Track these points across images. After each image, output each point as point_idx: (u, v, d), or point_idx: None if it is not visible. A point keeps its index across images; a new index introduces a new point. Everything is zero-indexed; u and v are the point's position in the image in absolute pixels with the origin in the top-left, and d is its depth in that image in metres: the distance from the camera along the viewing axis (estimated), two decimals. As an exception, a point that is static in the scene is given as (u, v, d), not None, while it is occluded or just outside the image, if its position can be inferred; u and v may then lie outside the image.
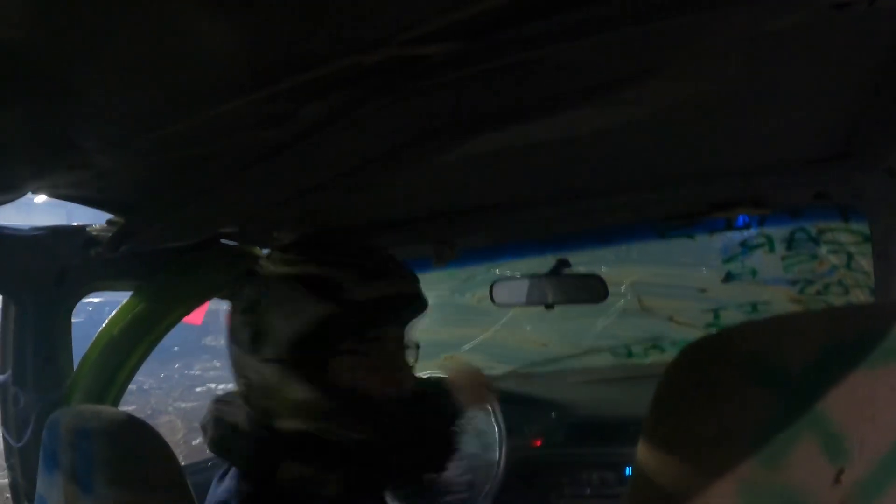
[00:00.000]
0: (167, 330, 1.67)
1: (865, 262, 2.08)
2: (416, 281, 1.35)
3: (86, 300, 1.60)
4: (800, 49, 1.11)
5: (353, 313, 1.21)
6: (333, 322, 1.19)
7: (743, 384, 0.67)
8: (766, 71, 1.19)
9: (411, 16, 0.83)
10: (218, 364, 12.00)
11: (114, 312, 1.62)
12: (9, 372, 1.51)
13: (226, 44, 0.84)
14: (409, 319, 1.33)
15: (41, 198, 1.25)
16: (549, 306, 2.43)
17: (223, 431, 1.24)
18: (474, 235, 2.08)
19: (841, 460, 0.63)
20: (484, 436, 2.27)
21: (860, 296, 2.24)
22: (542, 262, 2.39)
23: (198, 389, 11.62)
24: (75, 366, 1.58)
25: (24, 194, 1.14)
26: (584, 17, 0.88)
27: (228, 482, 1.20)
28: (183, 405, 10.98)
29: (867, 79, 1.25)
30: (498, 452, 2.23)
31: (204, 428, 1.27)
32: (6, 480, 1.57)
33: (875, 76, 1.23)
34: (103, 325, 1.62)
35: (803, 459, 0.64)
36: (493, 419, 2.27)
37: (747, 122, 1.42)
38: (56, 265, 1.48)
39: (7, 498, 1.58)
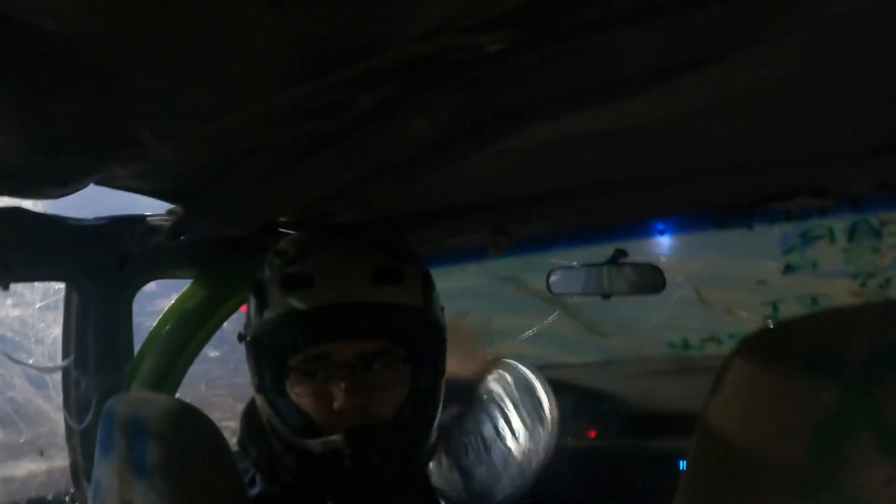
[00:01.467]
0: (225, 318, 1.70)
1: (929, 255, 2.05)
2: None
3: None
4: (861, 35, 1.10)
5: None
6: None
7: (801, 378, 0.66)
8: (827, 57, 1.18)
9: (466, 4, 0.84)
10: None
11: (173, 301, 1.66)
12: (71, 357, 1.55)
13: (280, 33, 0.85)
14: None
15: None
16: (606, 296, 2.42)
17: (244, 432, 1.28)
18: (531, 224, 2.07)
19: (894, 459, 0.62)
20: (536, 424, 2.27)
21: (922, 290, 2.20)
22: (600, 252, 2.39)
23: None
24: (136, 352, 1.61)
25: (85, 186, 1.14)
26: (643, 3, 0.88)
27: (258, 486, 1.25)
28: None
29: None
30: (547, 440, 2.23)
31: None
32: (67, 461, 1.63)
33: None
34: (163, 313, 1.66)
35: (859, 456, 0.62)
36: (545, 407, 2.27)
37: (807, 110, 1.41)
38: (117, 254, 1.52)
39: (68, 477, 1.63)
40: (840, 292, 2.38)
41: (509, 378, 2.34)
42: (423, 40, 0.88)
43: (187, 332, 1.65)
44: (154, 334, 1.63)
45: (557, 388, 2.38)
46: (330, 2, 0.79)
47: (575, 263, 2.42)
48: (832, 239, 2.19)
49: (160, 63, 0.88)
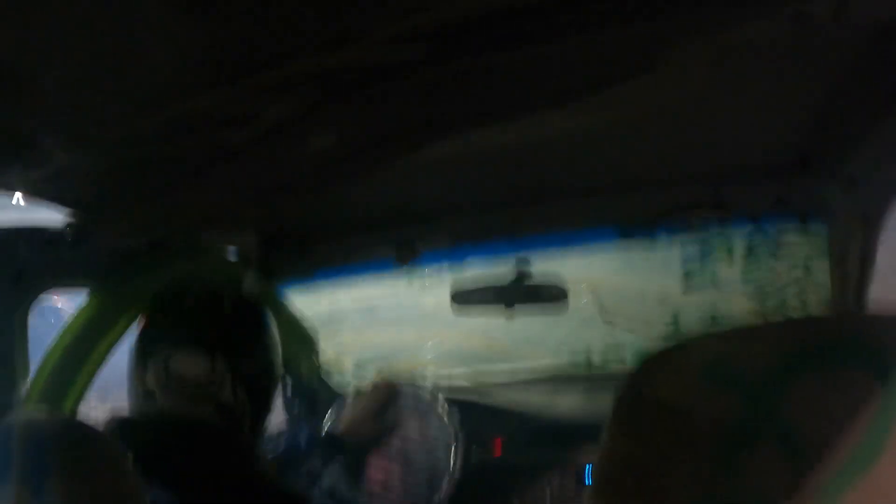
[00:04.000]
0: (126, 329, 1.64)
1: (823, 270, 2.10)
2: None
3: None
4: (763, 59, 1.12)
5: None
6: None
7: (702, 392, 0.67)
8: (730, 79, 1.20)
9: (378, 17, 0.83)
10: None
11: (72, 313, 1.60)
12: None
13: (189, 40, 0.84)
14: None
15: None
16: (509, 311, 2.42)
17: None
18: (436, 237, 2.07)
19: (801, 466, 0.62)
20: (437, 442, 2.26)
21: (817, 302, 2.26)
22: (504, 266, 2.39)
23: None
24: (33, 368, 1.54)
25: None
26: (552, 23, 0.88)
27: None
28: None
29: (828, 89, 1.26)
30: (452, 459, 2.22)
31: None
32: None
33: (836, 86, 1.25)
34: (61, 326, 1.59)
35: (764, 465, 0.64)
36: (447, 425, 2.27)
37: (710, 128, 1.43)
38: (13, 264, 1.45)
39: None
40: (739, 306, 2.43)
41: (407, 398, 2.34)
42: (334, 51, 0.86)
43: (87, 345, 1.60)
44: (52, 349, 1.57)
45: (460, 403, 2.37)
46: (241, 9, 0.76)
47: (478, 278, 2.42)
48: (731, 256, 2.23)
49: (63, 66, 0.86)
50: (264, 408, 1.47)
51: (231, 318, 1.41)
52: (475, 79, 0.98)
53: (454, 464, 2.21)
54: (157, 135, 1.06)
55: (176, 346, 1.33)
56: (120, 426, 1.30)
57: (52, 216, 1.43)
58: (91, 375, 1.60)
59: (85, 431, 1.07)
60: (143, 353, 1.38)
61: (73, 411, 1.57)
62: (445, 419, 2.28)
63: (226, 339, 1.37)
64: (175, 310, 1.40)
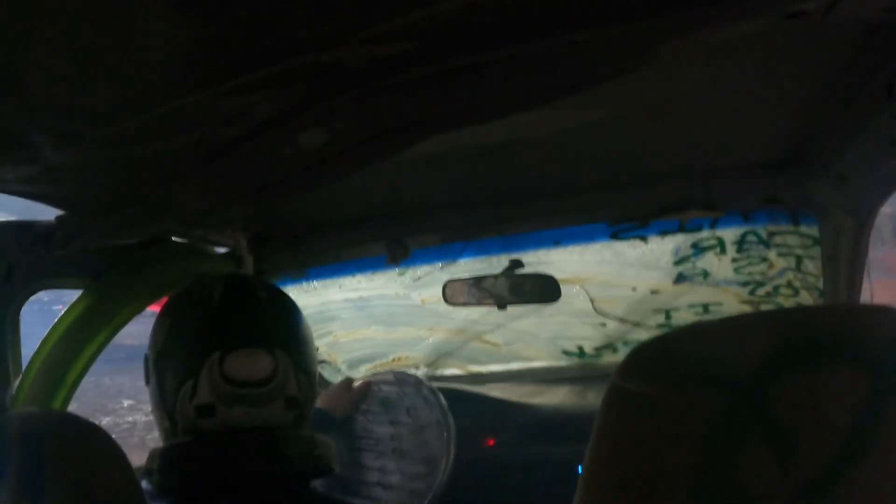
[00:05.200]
0: (118, 329, 1.64)
1: (814, 266, 2.10)
2: None
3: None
4: (753, 57, 1.12)
5: None
6: None
7: (692, 385, 0.68)
8: (721, 77, 1.20)
9: (368, 15, 0.83)
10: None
11: (63, 311, 1.59)
12: None
13: (180, 37, 0.84)
14: None
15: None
16: (501, 306, 2.42)
17: None
18: (427, 235, 2.08)
19: (789, 460, 0.64)
20: (432, 436, 2.26)
21: (809, 298, 2.26)
22: (496, 263, 2.39)
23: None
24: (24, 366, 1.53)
25: None
26: (542, 20, 0.88)
27: None
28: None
29: (819, 86, 1.27)
30: (446, 452, 2.23)
31: None
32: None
33: (826, 84, 1.25)
34: (52, 324, 1.58)
35: (752, 459, 0.65)
36: (442, 419, 2.27)
37: (701, 126, 1.44)
38: (3, 262, 1.44)
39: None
40: (730, 301, 2.43)
41: (404, 384, 2.37)
42: (324, 49, 0.86)
43: (78, 344, 1.59)
44: (43, 347, 1.57)
45: (453, 397, 2.38)
46: (231, 6, 0.77)
47: (470, 274, 2.42)
48: (722, 249, 2.24)
49: (54, 63, 0.86)
50: (315, 392, 1.38)
51: (271, 306, 1.33)
52: (466, 76, 0.98)
53: (449, 456, 2.21)
54: (147, 133, 1.05)
55: (228, 348, 1.22)
56: (183, 453, 1.22)
57: (42, 214, 1.43)
58: (80, 375, 1.59)
59: (89, 428, 1.06)
60: (185, 365, 1.24)
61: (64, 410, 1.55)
62: (440, 412, 2.28)
63: (278, 328, 1.29)
64: (211, 309, 1.28)
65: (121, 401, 10.73)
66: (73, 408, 1.54)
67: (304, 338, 1.34)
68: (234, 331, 1.25)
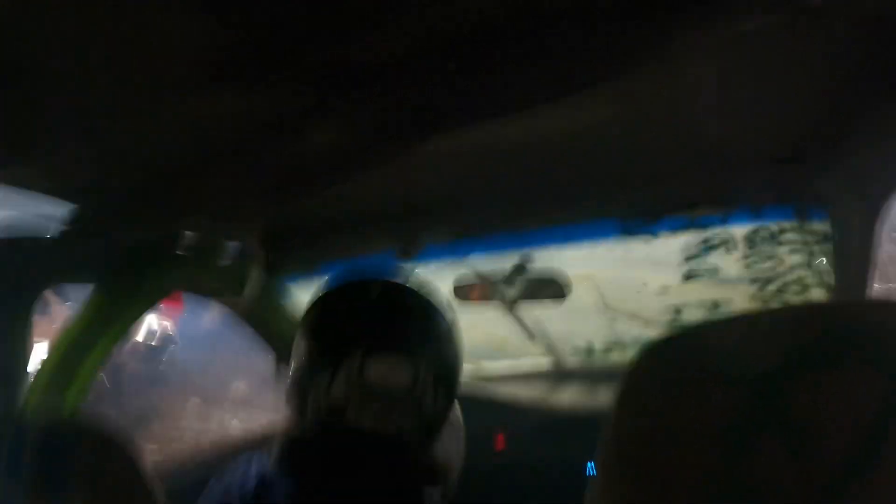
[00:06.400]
0: (130, 324, 1.65)
1: (824, 261, 2.10)
2: None
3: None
4: (763, 52, 1.12)
5: None
6: None
7: (704, 382, 0.67)
8: (730, 73, 1.20)
9: (381, 13, 0.83)
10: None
11: (77, 309, 1.59)
12: None
13: (192, 37, 0.84)
14: None
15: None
16: (511, 303, 2.43)
17: None
18: (438, 231, 2.08)
19: (805, 458, 0.64)
20: (444, 436, 2.26)
21: (819, 294, 2.26)
22: (505, 260, 2.39)
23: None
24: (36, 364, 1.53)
25: None
26: (553, 18, 0.88)
27: None
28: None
29: (828, 81, 1.26)
30: (457, 452, 2.23)
31: None
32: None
33: (836, 79, 1.25)
34: (64, 322, 1.58)
35: (766, 457, 0.64)
36: (451, 419, 2.26)
37: (711, 122, 1.43)
38: (15, 260, 1.45)
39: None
40: (740, 298, 2.43)
41: None
42: (337, 48, 0.87)
43: (90, 340, 1.58)
44: (56, 345, 1.56)
45: (463, 396, 2.37)
46: (245, 7, 0.77)
47: (480, 271, 2.42)
48: (732, 246, 2.23)
49: (67, 61, 0.85)
50: (452, 409, 1.37)
51: (423, 314, 1.30)
52: (478, 74, 0.99)
53: (460, 456, 2.21)
54: (160, 130, 1.06)
55: (372, 352, 1.19)
56: (305, 447, 1.20)
57: (55, 211, 1.44)
58: (94, 372, 1.59)
59: (114, 435, 1.07)
60: (326, 361, 1.21)
61: (76, 408, 1.56)
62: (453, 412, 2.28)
63: (425, 336, 1.26)
64: (364, 307, 1.26)
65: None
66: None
67: (450, 351, 1.32)
68: (380, 333, 1.22)
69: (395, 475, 1.17)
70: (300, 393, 1.23)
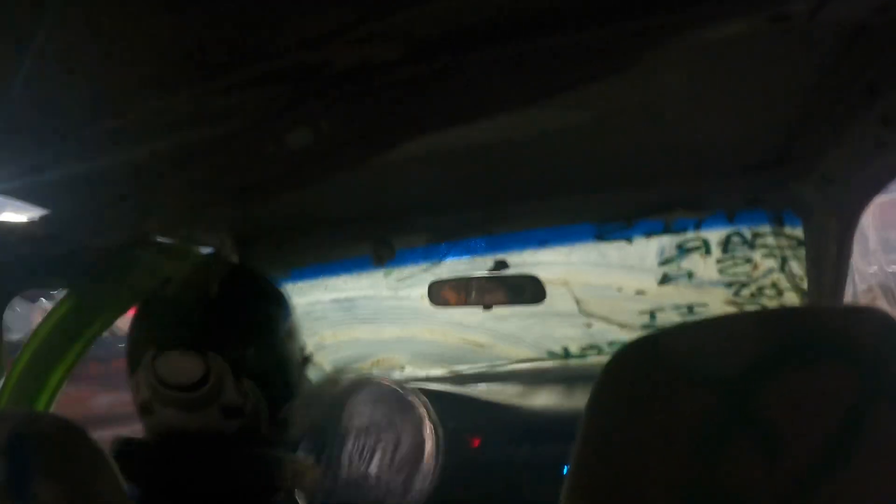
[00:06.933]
0: (101, 330, 1.63)
1: (799, 267, 2.11)
2: None
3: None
4: (738, 59, 1.13)
5: None
6: None
7: (678, 385, 0.68)
8: (705, 79, 1.21)
9: (355, 15, 0.83)
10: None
11: (47, 313, 1.58)
12: None
13: (164, 37, 0.83)
14: None
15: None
16: (486, 307, 2.43)
17: None
18: (413, 235, 2.08)
19: (776, 460, 0.64)
20: (418, 436, 2.26)
21: (793, 298, 2.27)
22: (481, 263, 2.39)
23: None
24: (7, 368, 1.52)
25: None
26: (527, 22, 0.88)
27: None
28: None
29: (803, 88, 1.27)
30: (433, 453, 2.23)
31: None
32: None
33: (810, 85, 1.26)
34: (35, 326, 1.57)
35: (739, 458, 0.65)
36: (427, 420, 2.27)
37: (686, 127, 1.44)
38: None
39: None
40: (715, 301, 2.44)
41: (381, 398, 2.37)
42: (310, 49, 0.86)
43: (61, 345, 1.58)
44: (27, 348, 1.56)
45: (439, 398, 2.38)
46: (218, 6, 0.76)
47: (455, 274, 2.42)
48: (707, 250, 2.24)
49: (38, 62, 0.84)
50: (282, 400, 1.27)
51: (220, 304, 1.23)
52: (452, 77, 0.98)
53: (434, 458, 2.21)
54: (131, 132, 1.05)
55: (161, 347, 1.16)
56: (120, 449, 1.17)
57: (25, 215, 1.42)
58: (64, 376, 1.58)
59: (76, 431, 1.05)
60: (132, 357, 1.20)
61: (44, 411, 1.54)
62: (424, 413, 2.28)
63: (217, 329, 1.20)
64: (154, 305, 1.26)
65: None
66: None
67: (261, 340, 1.24)
68: (167, 328, 1.20)
69: (220, 478, 1.15)
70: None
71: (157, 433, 1.19)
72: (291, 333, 1.31)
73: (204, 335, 1.18)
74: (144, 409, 1.19)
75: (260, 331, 1.25)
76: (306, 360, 1.35)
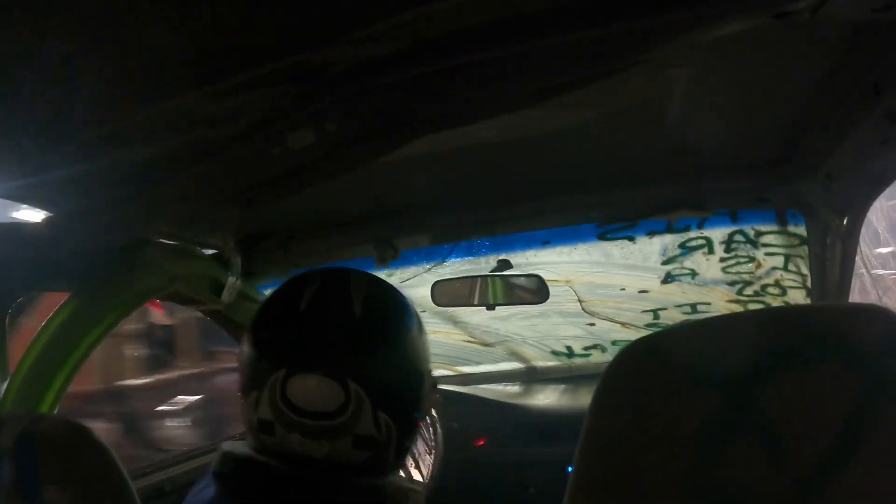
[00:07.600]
0: (106, 332, 1.62)
1: (802, 265, 2.11)
2: None
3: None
4: (743, 58, 1.13)
5: None
6: None
7: (682, 384, 0.68)
8: (710, 78, 1.20)
9: (358, 16, 0.82)
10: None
11: (51, 314, 1.57)
12: None
13: (168, 40, 0.83)
14: None
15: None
16: (490, 307, 2.43)
17: None
18: (416, 236, 2.07)
19: (779, 459, 0.64)
20: (422, 436, 2.26)
21: (796, 297, 2.27)
22: (484, 264, 2.39)
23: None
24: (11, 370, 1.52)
25: None
26: (531, 21, 0.88)
27: None
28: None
29: (807, 87, 1.27)
30: (437, 452, 2.22)
31: None
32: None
33: (814, 84, 1.25)
34: (40, 327, 1.57)
35: (743, 457, 0.65)
36: (431, 419, 2.26)
37: (690, 127, 1.44)
38: None
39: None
40: (719, 300, 2.44)
41: None
42: (314, 49, 0.86)
43: (65, 347, 1.57)
44: (31, 350, 1.54)
45: (443, 398, 2.37)
46: (222, 8, 0.76)
47: (459, 274, 2.42)
48: (710, 249, 2.24)
49: (43, 66, 0.85)
50: (413, 431, 1.16)
51: (364, 328, 1.09)
52: (456, 76, 0.98)
53: (439, 456, 2.21)
54: (135, 134, 1.05)
55: (295, 368, 1.04)
56: (237, 467, 1.07)
57: (29, 217, 1.42)
58: (68, 378, 1.57)
59: (83, 431, 1.05)
60: (255, 372, 1.07)
61: (50, 412, 1.54)
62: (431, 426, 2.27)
63: (360, 355, 1.06)
64: (288, 320, 1.09)
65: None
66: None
67: (402, 368, 1.12)
68: (305, 349, 1.05)
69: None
70: (243, 405, 1.10)
71: (273, 454, 1.06)
72: (427, 358, 1.18)
73: (346, 361, 1.05)
74: (263, 429, 1.06)
75: (403, 359, 1.12)
76: (434, 385, 1.21)
